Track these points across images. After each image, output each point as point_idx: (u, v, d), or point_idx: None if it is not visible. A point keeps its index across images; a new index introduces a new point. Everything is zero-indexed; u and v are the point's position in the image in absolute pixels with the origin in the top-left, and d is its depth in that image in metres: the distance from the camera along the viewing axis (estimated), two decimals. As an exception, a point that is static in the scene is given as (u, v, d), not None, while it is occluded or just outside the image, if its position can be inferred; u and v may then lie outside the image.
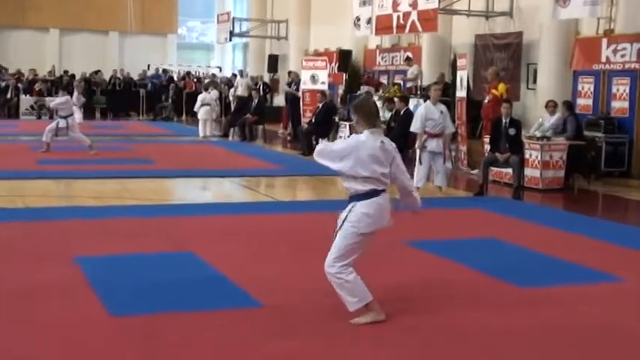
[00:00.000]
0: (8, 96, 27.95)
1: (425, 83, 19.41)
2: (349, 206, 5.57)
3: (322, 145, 5.86)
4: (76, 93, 23.74)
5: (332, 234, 5.64)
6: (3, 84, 28.61)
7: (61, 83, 29.38)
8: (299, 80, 22.19)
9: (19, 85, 28.64)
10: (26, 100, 27.82)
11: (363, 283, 5.54)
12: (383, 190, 5.57)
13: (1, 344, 4.99)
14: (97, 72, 31.53)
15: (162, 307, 5.81)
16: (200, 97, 22.56)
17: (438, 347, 5.15)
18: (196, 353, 4.93)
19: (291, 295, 6.24)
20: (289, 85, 23.48)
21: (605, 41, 15.00)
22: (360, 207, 5.51)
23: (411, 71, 20.46)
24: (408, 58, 21.38)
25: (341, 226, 5.56)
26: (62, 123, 16.42)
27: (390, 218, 5.65)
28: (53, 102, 18.03)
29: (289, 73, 25.32)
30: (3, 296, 6.05)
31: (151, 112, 29.27)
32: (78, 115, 21.66)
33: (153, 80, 31.77)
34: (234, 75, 30.85)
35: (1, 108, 27.84)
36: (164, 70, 31.83)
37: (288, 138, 21.88)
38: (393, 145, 5.69)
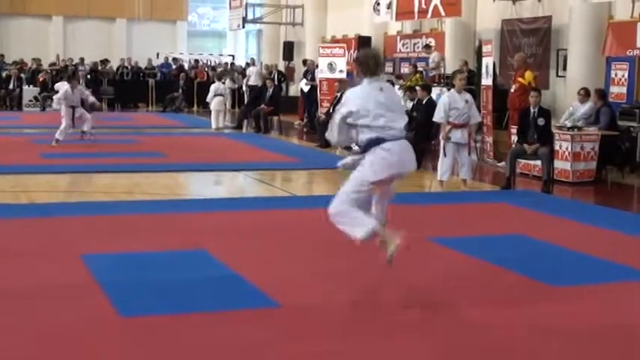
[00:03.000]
0: (11, 87, 28.07)
1: (448, 71, 19.35)
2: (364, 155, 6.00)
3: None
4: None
5: None
6: (4, 74, 28.71)
7: (66, 73, 29.57)
8: (314, 69, 22.19)
9: (22, 75, 28.74)
10: (29, 91, 27.92)
11: (367, 215, 5.86)
12: (394, 139, 5.98)
13: (6, 346, 5.02)
14: (104, 61, 31.60)
15: (175, 307, 5.83)
16: (213, 87, 22.58)
17: (463, 347, 5.14)
18: (211, 356, 4.94)
19: (311, 295, 6.24)
20: (305, 74, 23.45)
21: (640, 25, 14.91)
22: (368, 155, 5.94)
23: (432, 59, 20.41)
24: (427, 46, 21.35)
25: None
26: (77, 113, 16.54)
27: (408, 165, 6.12)
28: (54, 103, 18.54)
29: (304, 61, 25.32)
30: (7, 296, 6.08)
31: (161, 103, 29.33)
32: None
33: (162, 70, 31.84)
34: (248, 64, 30.86)
35: (2, 99, 27.97)
36: (174, 59, 31.85)
37: (305, 129, 21.88)
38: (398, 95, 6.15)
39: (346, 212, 5.94)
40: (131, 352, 5.00)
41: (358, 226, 5.85)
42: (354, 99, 6.03)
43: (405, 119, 6.23)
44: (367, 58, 6.20)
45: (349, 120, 6.02)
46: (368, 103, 5.97)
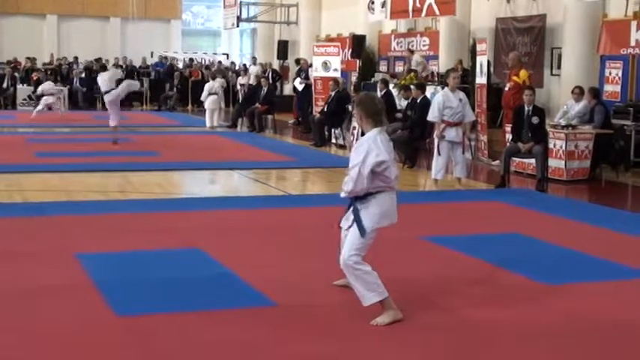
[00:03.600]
0: (4, 86, 28.03)
1: (442, 70, 19.38)
2: (358, 204, 5.62)
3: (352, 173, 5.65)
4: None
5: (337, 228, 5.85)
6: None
7: (60, 72, 29.54)
8: (308, 68, 22.19)
9: (16, 74, 28.70)
10: (23, 90, 27.89)
11: (379, 278, 5.57)
12: (391, 188, 5.68)
13: (1, 345, 5.02)
14: (98, 60, 31.56)
15: (171, 306, 5.84)
16: (207, 86, 22.57)
17: (458, 345, 5.16)
18: (208, 355, 4.95)
19: (307, 294, 6.25)
20: (299, 73, 23.43)
21: (634, 24, 14.93)
22: (375, 202, 5.60)
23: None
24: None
25: (353, 224, 5.64)
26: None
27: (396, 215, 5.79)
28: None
29: (297, 60, 25.31)
30: (1, 295, 6.08)
31: (155, 102, 29.31)
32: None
33: (156, 68, 31.81)
34: (245, 65, 30.86)
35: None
36: (165, 58, 31.68)
37: (298, 128, 21.88)
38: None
39: (361, 266, 5.61)
40: (127, 352, 5.00)
41: (371, 291, 5.59)
42: (382, 148, 5.58)
43: None
44: (378, 109, 5.76)
45: (377, 169, 5.57)
46: (389, 154, 5.62)
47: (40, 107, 23.23)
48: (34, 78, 27.97)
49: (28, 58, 30.67)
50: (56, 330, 5.31)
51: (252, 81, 25.59)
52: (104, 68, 21.28)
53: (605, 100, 14.69)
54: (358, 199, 5.64)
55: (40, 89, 24.18)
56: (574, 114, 13.96)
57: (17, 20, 35.48)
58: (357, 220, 5.61)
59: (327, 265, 6.45)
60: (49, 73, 29.21)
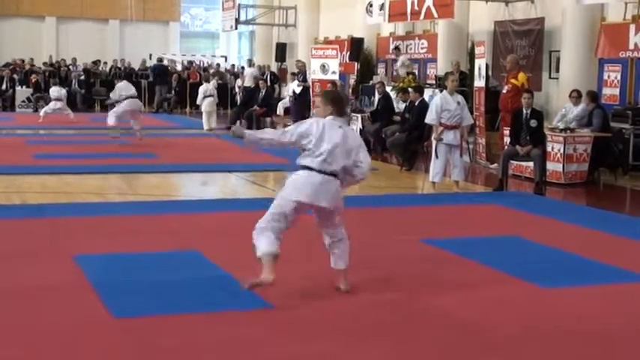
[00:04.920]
0: (3, 87, 28.02)
1: (440, 73, 19.39)
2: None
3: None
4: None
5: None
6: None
7: (59, 74, 29.50)
8: (306, 70, 22.18)
9: (15, 76, 28.69)
10: (22, 92, 27.88)
11: (274, 241, 6.07)
12: (322, 172, 6.10)
13: None
14: (96, 62, 31.57)
15: (168, 308, 5.83)
16: (202, 89, 22.43)
17: (455, 348, 5.16)
18: (205, 357, 4.95)
19: (304, 296, 6.24)
20: (297, 76, 23.36)
21: (632, 27, 14.96)
22: (293, 174, 6.19)
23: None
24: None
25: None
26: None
27: (328, 199, 6.10)
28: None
29: (297, 64, 25.28)
30: (0, 298, 6.07)
31: (153, 104, 29.29)
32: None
33: (155, 71, 31.73)
34: (243, 68, 30.80)
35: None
36: (159, 59, 31.50)
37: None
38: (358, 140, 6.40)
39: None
40: (124, 353, 5.00)
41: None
42: (319, 129, 6.15)
43: (347, 163, 6.21)
44: (341, 101, 6.45)
45: (294, 138, 6.21)
46: (323, 135, 6.11)
47: (48, 110, 23.10)
48: (33, 80, 27.97)
49: (23, 59, 30.60)
50: (54, 331, 5.31)
51: (248, 83, 25.57)
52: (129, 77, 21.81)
53: (604, 104, 14.71)
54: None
55: (50, 94, 24.15)
56: (572, 117, 13.96)
57: (16, 22, 35.48)
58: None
59: (324, 268, 6.44)
60: (46, 74, 29.18)
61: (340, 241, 6.33)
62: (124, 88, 18.22)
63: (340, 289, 6.28)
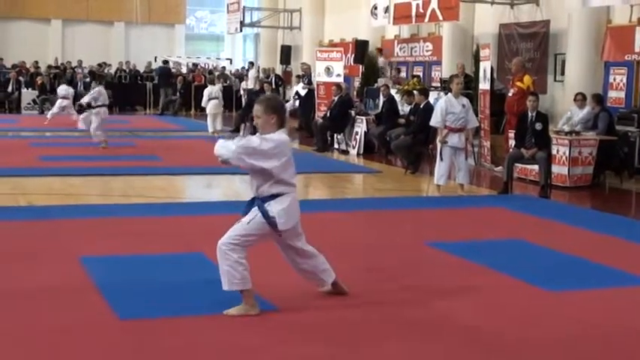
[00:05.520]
0: (9, 89, 28.08)
1: (445, 75, 19.39)
2: (260, 205, 5.91)
3: (242, 140, 6.02)
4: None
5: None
6: (2, 78, 28.71)
7: (64, 76, 29.56)
8: (311, 73, 22.18)
9: (21, 78, 28.75)
10: (28, 94, 27.94)
11: (248, 272, 5.70)
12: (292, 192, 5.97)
13: (4, 347, 5.02)
14: (102, 64, 31.60)
15: (173, 310, 5.84)
16: (206, 91, 22.39)
17: (459, 352, 5.14)
18: (210, 358, 4.95)
19: (307, 298, 6.24)
20: (302, 78, 23.36)
21: (638, 30, 14.95)
22: (276, 204, 5.87)
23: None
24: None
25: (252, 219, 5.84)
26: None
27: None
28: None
29: (302, 67, 25.29)
30: (6, 298, 6.08)
31: (158, 107, 29.31)
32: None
33: (160, 73, 31.74)
34: (244, 68, 30.81)
35: (1, 102, 27.94)
36: (164, 62, 31.51)
37: (298, 133, 21.84)
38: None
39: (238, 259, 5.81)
40: (129, 355, 5.00)
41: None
42: (280, 151, 5.90)
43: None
44: (284, 109, 6.02)
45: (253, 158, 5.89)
46: (289, 161, 5.90)
47: (55, 110, 23.15)
48: (39, 82, 28.02)
49: (31, 62, 30.67)
50: (59, 332, 5.31)
51: (251, 85, 25.55)
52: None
53: (610, 107, 14.68)
54: (264, 199, 5.90)
55: (57, 92, 24.17)
56: (578, 120, 13.94)
57: (22, 25, 35.60)
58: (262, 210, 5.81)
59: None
60: (52, 76, 29.22)
61: (315, 256, 6.17)
62: (104, 95, 17.54)
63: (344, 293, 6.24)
